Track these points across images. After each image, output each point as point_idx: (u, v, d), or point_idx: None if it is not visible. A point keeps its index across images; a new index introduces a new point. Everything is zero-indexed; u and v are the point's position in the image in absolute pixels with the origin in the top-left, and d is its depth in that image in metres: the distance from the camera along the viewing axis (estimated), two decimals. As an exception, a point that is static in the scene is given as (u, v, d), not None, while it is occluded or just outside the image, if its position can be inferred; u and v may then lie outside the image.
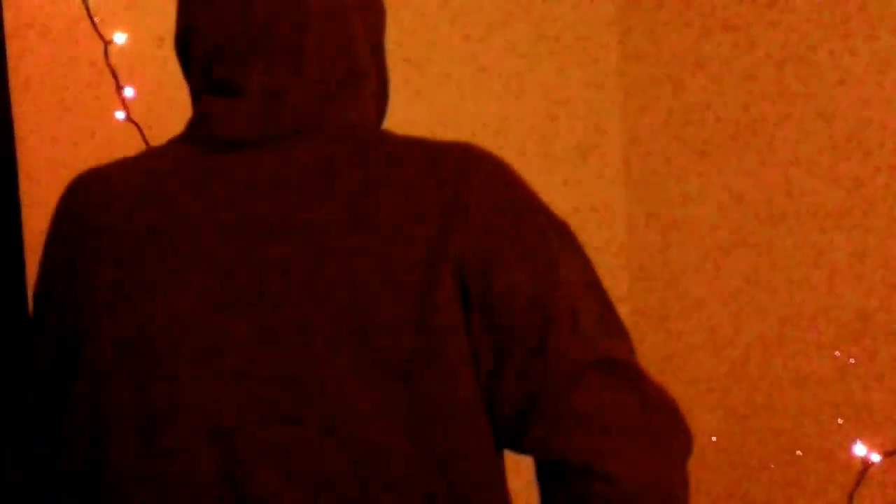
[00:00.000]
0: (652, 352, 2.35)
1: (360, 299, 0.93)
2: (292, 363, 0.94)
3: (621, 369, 0.97)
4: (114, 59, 1.92)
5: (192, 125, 1.06)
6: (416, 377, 0.93)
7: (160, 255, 0.98)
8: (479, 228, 0.95)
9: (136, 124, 1.92)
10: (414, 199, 0.95)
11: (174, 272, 0.97)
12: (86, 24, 1.91)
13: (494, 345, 0.95)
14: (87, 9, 1.90)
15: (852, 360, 2.03)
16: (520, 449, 0.98)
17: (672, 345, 2.37)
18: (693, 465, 1.00)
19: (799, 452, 2.12)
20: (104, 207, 1.02)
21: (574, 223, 1.03)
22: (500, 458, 1.00)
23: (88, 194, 1.05)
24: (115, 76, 1.91)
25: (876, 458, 1.75)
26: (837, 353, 2.05)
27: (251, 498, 0.94)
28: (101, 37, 1.91)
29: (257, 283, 0.95)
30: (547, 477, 0.98)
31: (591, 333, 0.96)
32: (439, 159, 0.98)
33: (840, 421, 2.04)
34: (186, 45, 1.08)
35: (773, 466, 2.18)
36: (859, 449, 1.80)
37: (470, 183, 0.97)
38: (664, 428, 0.96)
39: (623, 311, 2.57)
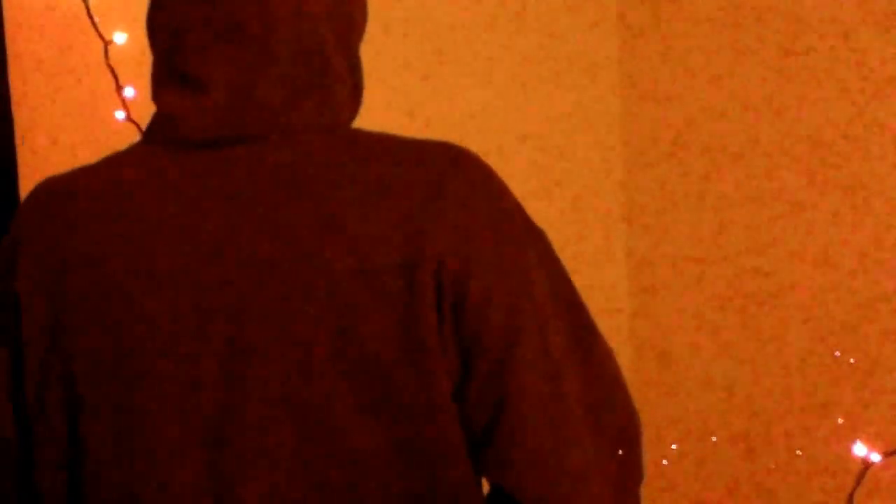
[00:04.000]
0: (651, 352, 2.35)
1: (339, 304, 0.91)
2: (271, 371, 0.92)
3: (580, 395, 0.96)
4: (114, 59, 1.92)
5: (156, 125, 1.01)
6: (397, 382, 0.92)
7: (135, 264, 0.95)
8: (457, 232, 0.93)
9: (137, 124, 1.91)
10: (392, 200, 0.93)
11: (150, 281, 0.95)
12: (86, 24, 1.91)
13: (461, 353, 0.94)
14: (87, 9, 1.90)
15: (852, 360, 2.03)
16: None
17: (671, 345, 2.37)
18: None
19: (799, 452, 2.12)
20: (75, 216, 0.98)
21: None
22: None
23: (56, 203, 1.00)
24: (115, 76, 1.91)
25: (876, 458, 1.74)
26: (837, 353, 2.05)
27: None
28: (101, 37, 1.91)
29: (235, 289, 0.93)
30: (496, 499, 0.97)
31: (557, 353, 0.95)
32: (420, 159, 0.96)
33: (840, 421, 2.04)
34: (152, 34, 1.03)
35: (773, 466, 2.18)
36: (859, 449, 1.79)
37: (450, 184, 0.94)
38: (619, 466, 0.96)
39: (623, 312, 2.57)
